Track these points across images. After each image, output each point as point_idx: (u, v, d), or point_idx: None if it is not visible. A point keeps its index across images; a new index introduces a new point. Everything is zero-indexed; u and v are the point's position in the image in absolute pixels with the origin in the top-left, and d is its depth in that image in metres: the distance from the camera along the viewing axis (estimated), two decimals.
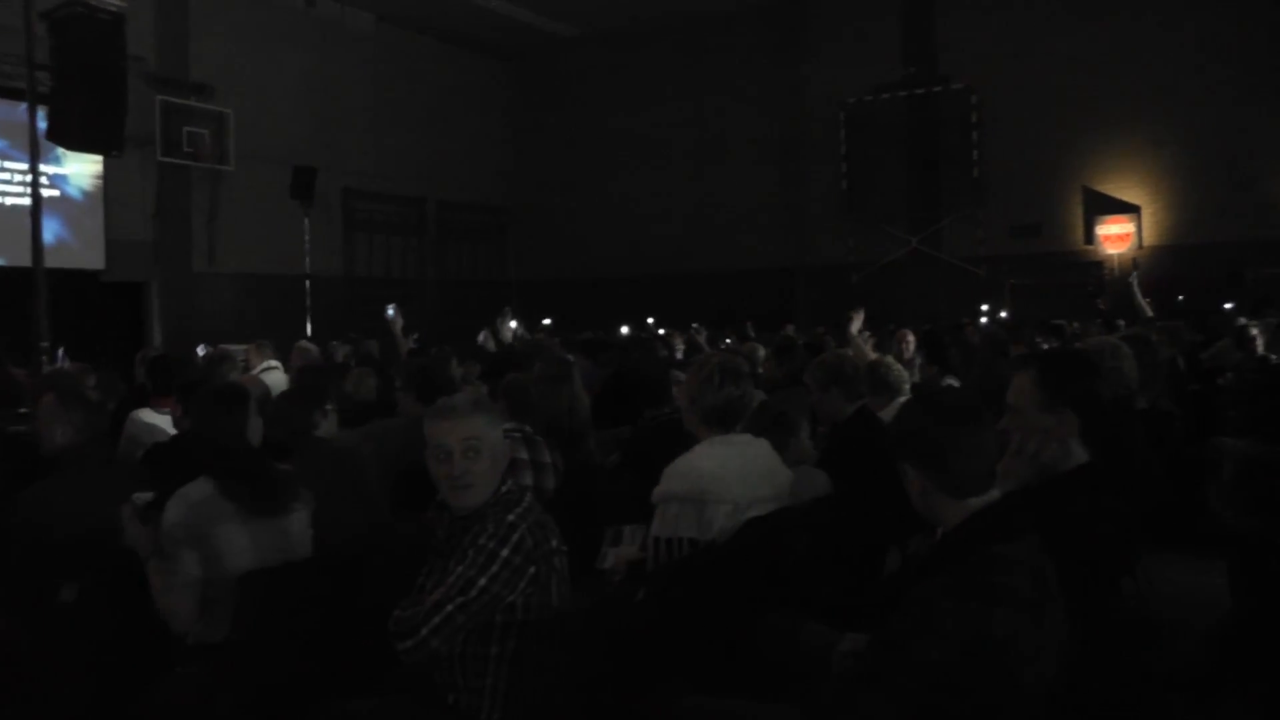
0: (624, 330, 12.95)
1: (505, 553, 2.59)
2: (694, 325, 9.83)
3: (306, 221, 15.55)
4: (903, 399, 4.43)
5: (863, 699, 2.05)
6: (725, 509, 3.14)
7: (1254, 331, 8.05)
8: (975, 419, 2.23)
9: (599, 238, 20.55)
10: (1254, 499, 4.93)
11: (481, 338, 10.30)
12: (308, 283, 15.79)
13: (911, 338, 8.27)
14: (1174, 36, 16.48)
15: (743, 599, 2.86)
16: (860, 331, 7.54)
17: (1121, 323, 9.90)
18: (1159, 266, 16.43)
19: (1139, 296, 9.85)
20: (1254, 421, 6.32)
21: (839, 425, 4.22)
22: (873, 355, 6.08)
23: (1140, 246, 17.27)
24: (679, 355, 8.89)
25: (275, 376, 7.01)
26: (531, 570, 2.63)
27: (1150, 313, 9.83)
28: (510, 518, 2.65)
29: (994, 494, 2.22)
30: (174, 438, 4.51)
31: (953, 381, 6.36)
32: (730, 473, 3.19)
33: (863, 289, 17.32)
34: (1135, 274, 10.43)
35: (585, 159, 21.05)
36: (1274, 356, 7.78)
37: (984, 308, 15.77)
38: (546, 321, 14.97)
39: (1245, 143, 16.14)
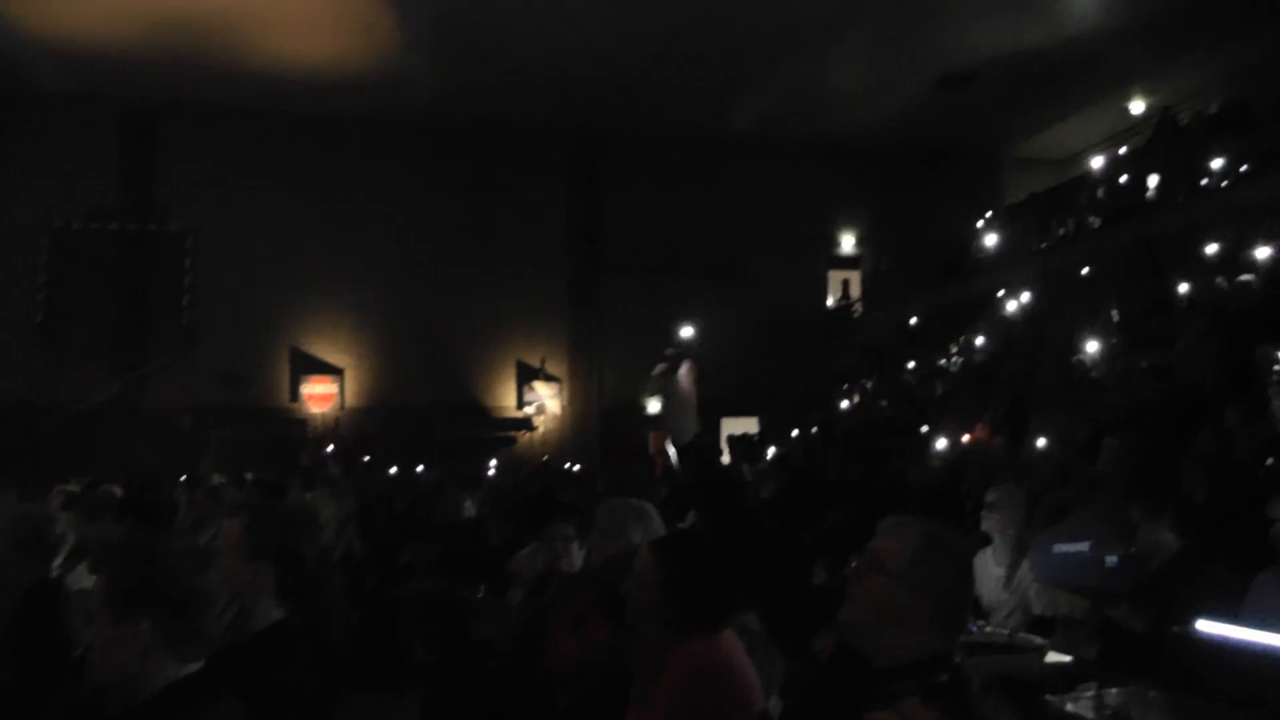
0: None
1: None
2: None
3: None
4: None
5: None
6: None
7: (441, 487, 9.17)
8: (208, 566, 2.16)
9: None
10: (437, 638, 5.51)
11: None
12: None
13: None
14: (376, 213, 18.20)
15: None
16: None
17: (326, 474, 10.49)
18: (362, 425, 17.60)
19: (332, 465, 10.60)
20: (441, 564, 7.08)
21: (27, 592, 3.76)
22: None
23: (343, 407, 18.38)
24: None
25: None
26: None
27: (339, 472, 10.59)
28: None
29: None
30: None
31: None
32: None
33: (54, 435, 15.63)
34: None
35: None
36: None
37: (207, 461, 15.31)
38: None
39: (436, 316, 18.26)
